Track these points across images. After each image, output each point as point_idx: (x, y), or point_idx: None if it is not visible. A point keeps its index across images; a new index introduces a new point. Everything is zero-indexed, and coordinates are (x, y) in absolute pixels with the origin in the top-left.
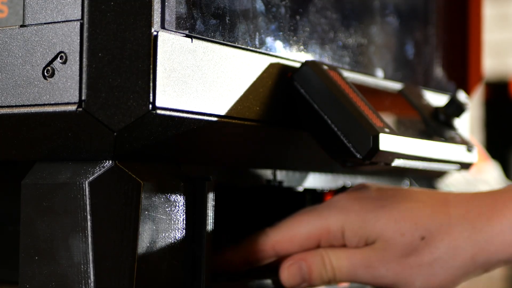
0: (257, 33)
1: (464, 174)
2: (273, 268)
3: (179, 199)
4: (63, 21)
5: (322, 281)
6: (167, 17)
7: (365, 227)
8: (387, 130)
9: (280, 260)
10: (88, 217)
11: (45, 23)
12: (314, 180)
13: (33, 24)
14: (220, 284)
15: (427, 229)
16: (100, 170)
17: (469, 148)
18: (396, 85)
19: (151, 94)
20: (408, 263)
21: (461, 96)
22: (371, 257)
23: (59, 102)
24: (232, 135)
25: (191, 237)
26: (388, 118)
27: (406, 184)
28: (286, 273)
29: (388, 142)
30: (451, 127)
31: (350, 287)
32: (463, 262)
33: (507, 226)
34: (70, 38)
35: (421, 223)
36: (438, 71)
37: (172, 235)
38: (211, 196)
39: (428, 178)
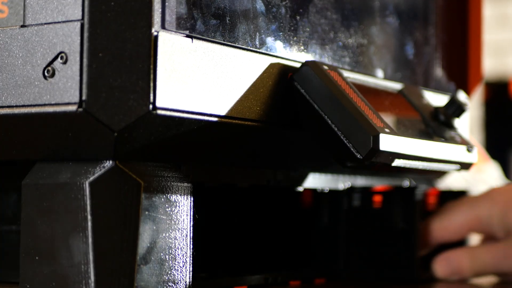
0: (258, 33)
1: (464, 174)
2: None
3: (179, 199)
4: (63, 21)
5: (470, 274)
6: (167, 17)
7: (506, 217)
8: (387, 130)
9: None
10: (89, 217)
11: (45, 23)
12: (314, 180)
13: (33, 24)
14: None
15: None
16: (100, 170)
17: (469, 148)
18: (396, 85)
19: (151, 94)
20: None
21: (461, 96)
22: (510, 249)
23: (60, 102)
24: (232, 135)
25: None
26: (388, 118)
27: (406, 184)
28: (438, 266)
29: (388, 142)
30: (451, 127)
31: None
32: None
33: None
34: (70, 38)
35: None
36: (438, 71)
37: (172, 235)
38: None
39: (428, 178)
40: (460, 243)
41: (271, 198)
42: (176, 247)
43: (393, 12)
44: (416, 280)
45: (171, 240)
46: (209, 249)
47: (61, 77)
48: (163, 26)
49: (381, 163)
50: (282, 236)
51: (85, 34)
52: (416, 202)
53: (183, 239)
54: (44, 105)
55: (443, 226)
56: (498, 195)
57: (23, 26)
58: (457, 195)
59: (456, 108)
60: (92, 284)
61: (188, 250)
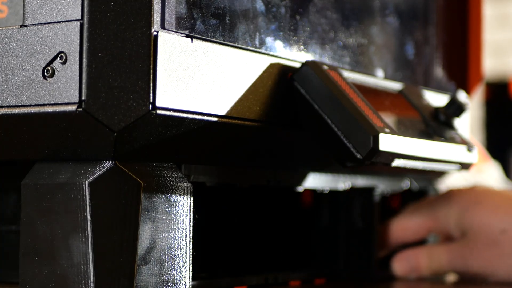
0: (257, 33)
1: (464, 174)
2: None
3: (179, 199)
4: (63, 21)
5: (427, 273)
6: (167, 17)
7: (462, 218)
8: (387, 130)
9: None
10: (88, 217)
11: (45, 23)
12: (314, 180)
13: (33, 24)
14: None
15: (508, 223)
16: (100, 170)
17: (469, 148)
18: (396, 85)
19: (151, 94)
20: (492, 254)
21: (461, 96)
22: (464, 249)
23: (59, 102)
24: (232, 135)
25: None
26: (388, 118)
27: (406, 184)
28: (397, 265)
29: (388, 142)
30: (451, 127)
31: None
32: None
33: None
34: (70, 38)
35: (503, 218)
36: (438, 71)
37: (171, 235)
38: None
39: (428, 178)
40: (422, 243)
41: (271, 198)
42: (176, 247)
43: (393, 12)
44: (374, 279)
45: (170, 240)
46: (209, 249)
47: (60, 77)
48: (162, 26)
49: (381, 163)
50: (282, 236)
51: (85, 34)
52: (375, 203)
53: (182, 239)
54: (44, 105)
55: (402, 227)
56: (455, 197)
57: (22, 26)
58: (419, 196)
59: (456, 108)
60: (92, 284)
61: (188, 250)
